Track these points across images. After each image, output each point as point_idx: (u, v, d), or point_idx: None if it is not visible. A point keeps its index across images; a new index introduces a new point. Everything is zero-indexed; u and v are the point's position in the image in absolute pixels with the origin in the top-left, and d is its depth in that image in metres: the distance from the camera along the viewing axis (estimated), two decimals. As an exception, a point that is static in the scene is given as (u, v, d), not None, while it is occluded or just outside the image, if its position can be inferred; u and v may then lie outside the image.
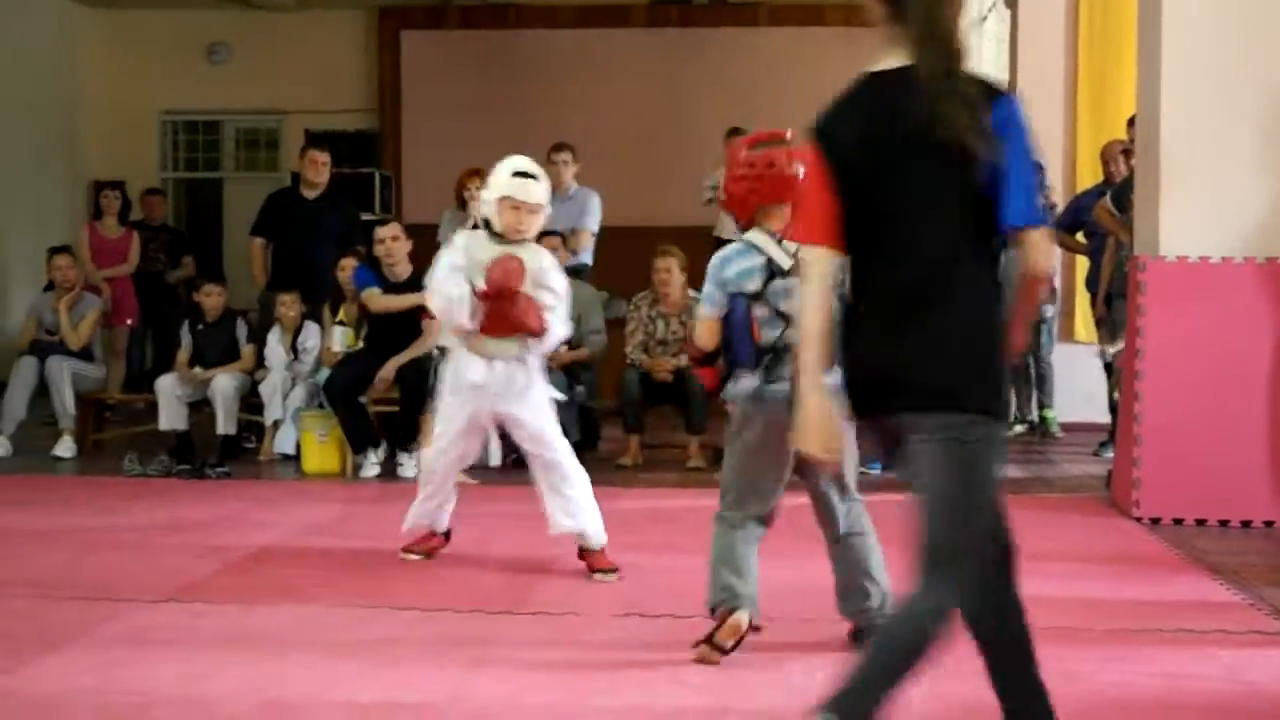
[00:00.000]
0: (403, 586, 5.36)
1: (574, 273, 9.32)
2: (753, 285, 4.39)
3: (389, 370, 8.16)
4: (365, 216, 11.58)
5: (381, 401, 8.34)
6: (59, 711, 3.76)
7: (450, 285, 5.59)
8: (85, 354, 9.31)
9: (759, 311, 4.38)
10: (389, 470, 8.29)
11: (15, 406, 8.93)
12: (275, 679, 4.08)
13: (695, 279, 9.01)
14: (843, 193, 3.08)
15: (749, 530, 4.48)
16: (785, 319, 4.33)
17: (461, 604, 5.02)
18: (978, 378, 3.02)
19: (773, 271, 4.41)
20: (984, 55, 12.27)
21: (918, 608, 3.01)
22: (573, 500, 5.61)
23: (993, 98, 3.06)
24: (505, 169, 5.64)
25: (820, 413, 3.09)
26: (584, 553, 5.64)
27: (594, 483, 7.87)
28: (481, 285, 5.54)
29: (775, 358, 4.38)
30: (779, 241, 4.43)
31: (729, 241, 4.66)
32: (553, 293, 5.71)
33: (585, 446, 8.96)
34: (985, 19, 11.93)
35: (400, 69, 14.77)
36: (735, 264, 4.44)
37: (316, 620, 4.81)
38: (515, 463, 8.61)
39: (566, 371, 8.75)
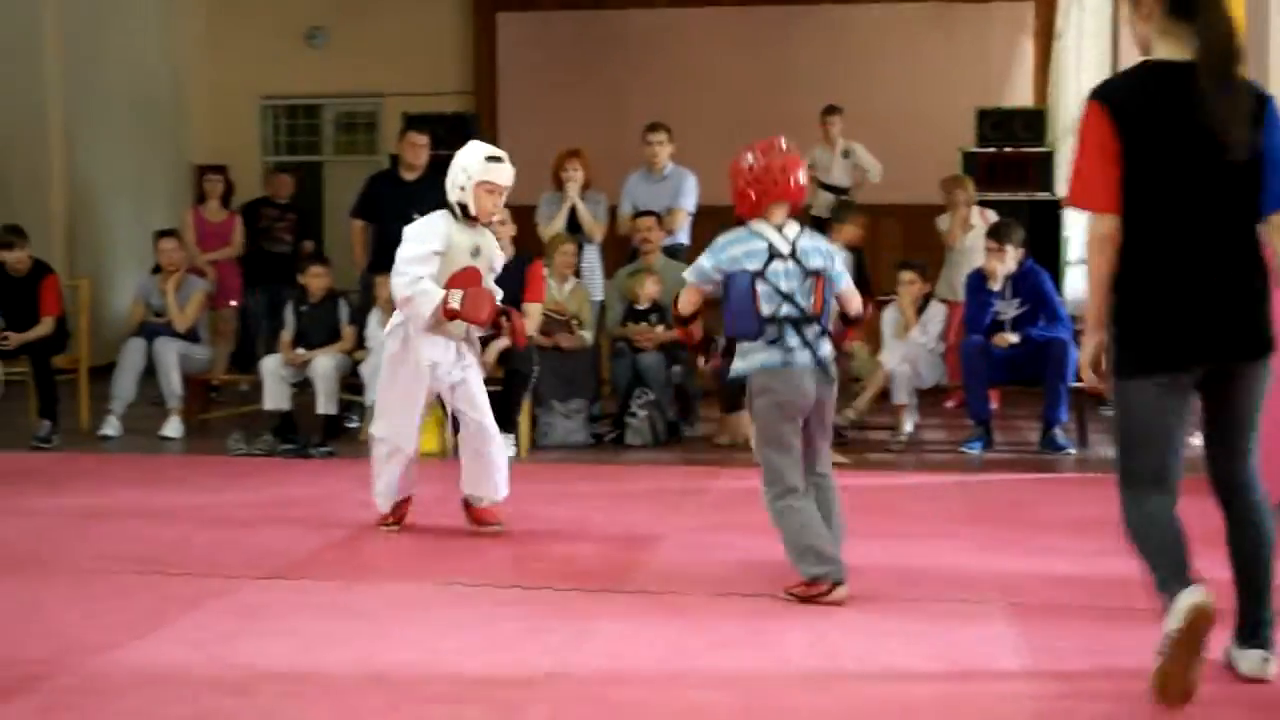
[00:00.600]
0: (503, 565, 5.42)
1: (670, 253, 9.37)
2: (754, 265, 4.84)
3: (492, 354, 8.22)
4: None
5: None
6: (171, 684, 3.84)
7: (423, 274, 5.73)
8: (191, 335, 9.47)
9: (761, 287, 4.81)
10: (488, 449, 8.35)
11: (124, 387, 9.11)
12: (380, 654, 4.14)
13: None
14: (1129, 163, 3.59)
15: (807, 500, 4.85)
16: (784, 296, 4.83)
17: (561, 582, 5.05)
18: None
19: (773, 254, 4.86)
20: (1084, 28, 12.10)
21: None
22: (494, 464, 5.97)
23: (1261, 99, 3.63)
24: (477, 154, 5.81)
25: (1095, 352, 3.73)
26: (472, 508, 6.03)
27: (692, 463, 7.97)
28: (454, 304, 5.67)
29: (778, 329, 4.83)
30: (780, 230, 4.91)
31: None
32: (495, 273, 6.12)
33: (682, 426, 9.01)
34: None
35: (496, 51, 14.86)
36: (737, 246, 4.90)
37: (420, 597, 4.87)
38: (614, 440, 8.68)
39: (664, 351, 8.78)
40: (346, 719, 3.61)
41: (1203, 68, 3.54)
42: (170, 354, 9.12)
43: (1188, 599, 3.48)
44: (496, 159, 5.81)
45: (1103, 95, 3.65)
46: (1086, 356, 3.76)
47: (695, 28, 14.40)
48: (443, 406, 6.32)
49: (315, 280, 9.14)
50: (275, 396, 8.76)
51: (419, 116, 12.59)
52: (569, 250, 9.07)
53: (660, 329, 8.81)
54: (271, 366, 8.82)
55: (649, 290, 8.93)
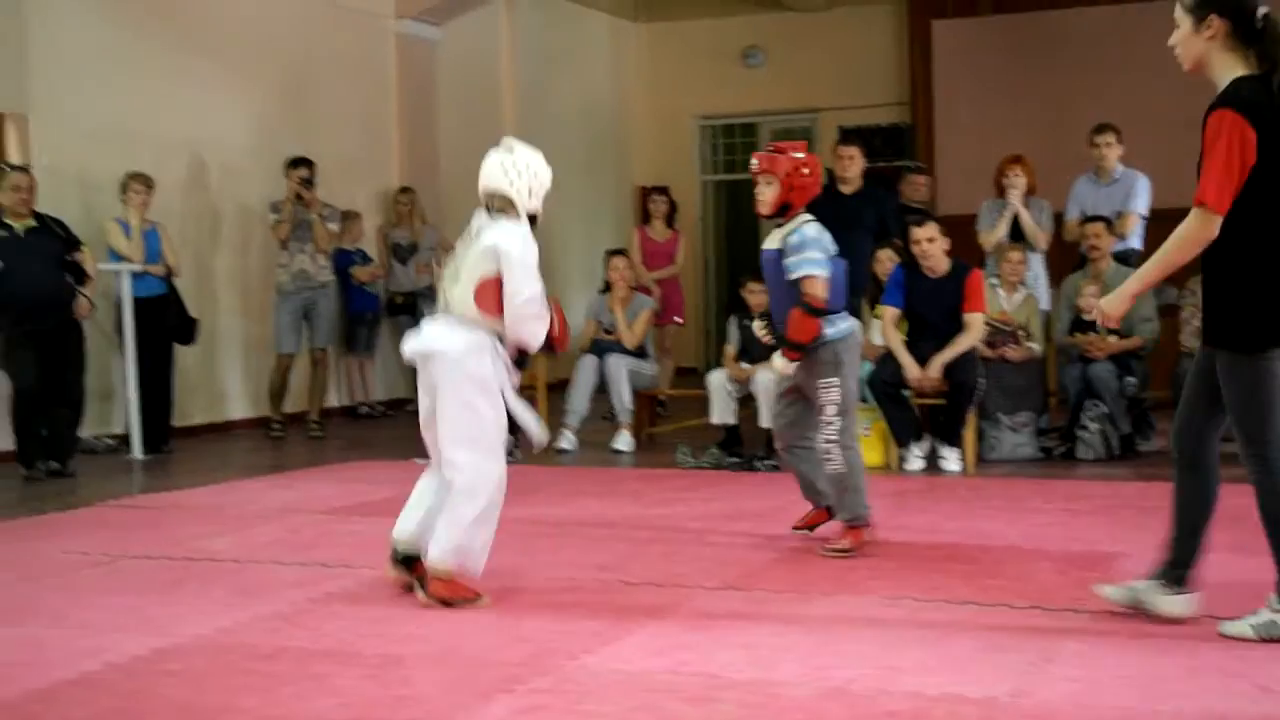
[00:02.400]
0: (955, 580, 5.31)
1: (1121, 259, 8.99)
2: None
3: (936, 369, 8.11)
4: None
5: (924, 395, 8.31)
6: (637, 690, 3.94)
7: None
8: (640, 352, 9.80)
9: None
10: (932, 464, 8.26)
11: (578, 403, 9.51)
12: (836, 667, 4.13)
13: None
14: (1260, 166, 4.06)
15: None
16: None
17: (1018, 600, 4.91)
18: None
19: None
20: None
21: None
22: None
23: None
24: (540, 158, 5.24)
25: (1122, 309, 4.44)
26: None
27: (1149, 478, 7.61)
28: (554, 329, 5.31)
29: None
30: None
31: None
32: None
33: (1137, 439, 8.62)
34: None
35: (931, 59, 14.70)
36: (824, 234, 6.05)
37: (871, 612, 4.84)
38: (1064, 454, 8.40)
39: (1116, 361, 8.44)
40: (808, 732, 3.62)
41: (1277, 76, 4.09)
42: (621, 370, 9.46)
43: None
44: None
45: (1241, 105, 4.06)
46: (1117, 309, 4.42)
47: (1140, 23, 13.75)
48: None
49: (753, 296, 9.26)
50: (720, 410, 8.95)
51: (853, 130, 12.62)
52: (1017, 259, 8.83)
53: (1113, 339, 8.47)
54: (717, 381, 9.02)
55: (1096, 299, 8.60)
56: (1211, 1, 4.16)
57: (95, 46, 10.17)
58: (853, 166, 9.70)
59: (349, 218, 11.69)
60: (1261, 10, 4.16)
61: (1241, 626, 4.32)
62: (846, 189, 9.76)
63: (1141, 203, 9.25)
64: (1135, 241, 9.27)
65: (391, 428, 11.27)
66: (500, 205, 5.18)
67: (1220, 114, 4.07)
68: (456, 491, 5.00)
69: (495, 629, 4.67)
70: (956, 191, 12.94)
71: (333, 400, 11.81)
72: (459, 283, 5.12)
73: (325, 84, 12.16)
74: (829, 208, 9.74)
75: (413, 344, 5.19)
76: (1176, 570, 4.50)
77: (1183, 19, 4.24)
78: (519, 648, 4.41)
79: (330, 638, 4.61)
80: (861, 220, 9.55)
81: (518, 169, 5.18)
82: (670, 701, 3.83)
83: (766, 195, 6.01)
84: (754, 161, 6.08)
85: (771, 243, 6.14)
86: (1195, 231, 4.14)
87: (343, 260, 11.66)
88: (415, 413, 12.41)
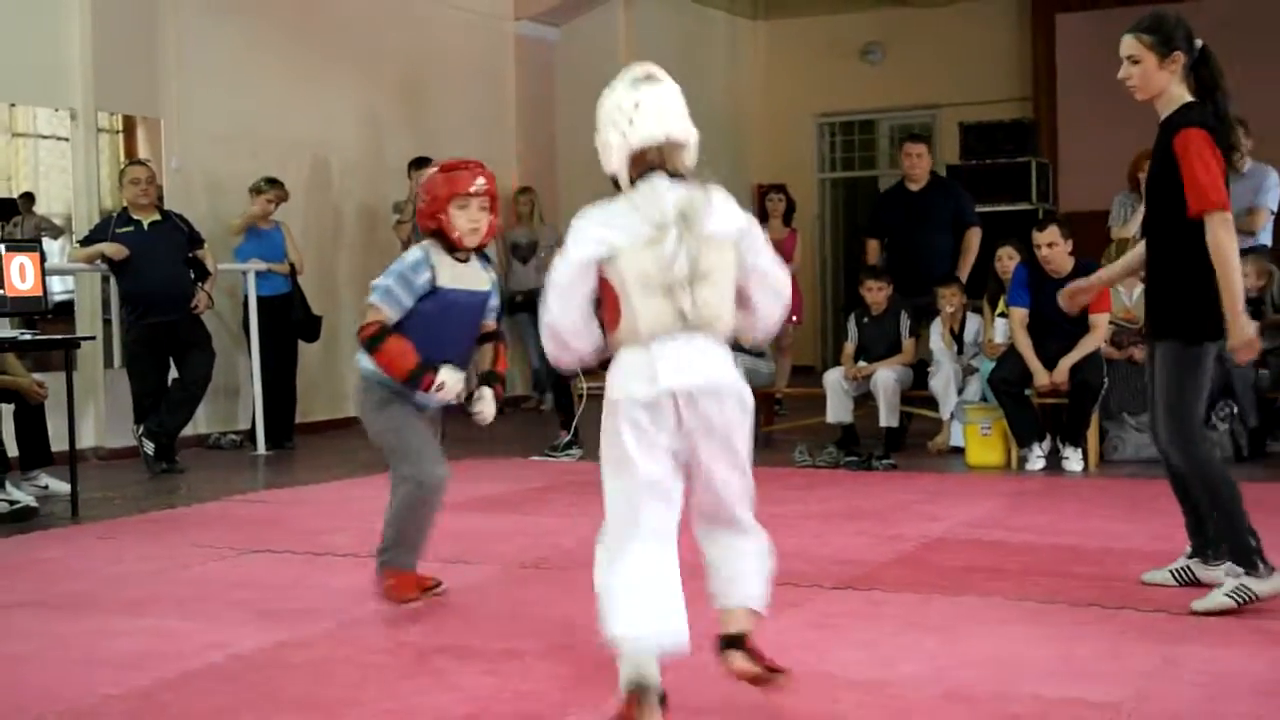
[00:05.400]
0: (1079, 583, 5.22)
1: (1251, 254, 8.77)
2: None
3: (1061, 373, 7.97)
4: (1021, 206, 11.46)
5: (1046, 394, 8.18)
6: (756, 687, 3.93)
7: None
8: (756, 350, 9.74)
9: None
10: (1054, 464, 8.13)
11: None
12: (955, 669, 4.08)
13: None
14: None
15: None
16: None
17: (1144, 603, 4.82)
18: None
19: None
20: None
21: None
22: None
23: None
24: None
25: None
26: None
27: (1277, 479, 7.41)
28: None
29: None
30: None
31: None
32: None
33: (1268, 440, 8.42)
34: None
35: (1055, 54, 14.47)
36: None
37: (992, 612, 4.77)
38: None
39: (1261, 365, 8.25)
40: (926, 734, 3.57)
41: (1226, 108, 4.67)
42: (739, 369, 9.41)
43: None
44: None
45: (1208, 126, 4.58)
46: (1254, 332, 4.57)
47: (1266, 14, 13.49)
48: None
49: (871, 294, 9.21)
50: (837, 409, 8.90)
51: (974, 126, 12.48)
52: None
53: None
54: (834, 379, 8.96)
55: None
56: (1174, 39, 4.69)
57: (223, 52, 10.37)
58: (919, 164, 9.68)
59: (470, 218, 11.76)
60: (1199, 41, 4.72)
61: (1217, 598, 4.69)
62: (914, 186, 9.73)
63: (1271, 198, 9.01)
64: (1265, 237, 9.05)
65: (508, 426, 11.34)
66: (679, 164, 3.69)
67: (1192, 132, 4.55)
68: (761, 544, 3.96)
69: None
70: (1080, 188, 12.72)
71: (451, 398, 11.90)
72: (708, 286, 3.56)
73: (445, 85, 12.29)
74: (900, 206, 9.75)
75: (690, 377, 3.61)
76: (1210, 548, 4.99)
77: (1145, 55, 4.72)
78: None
79: (448, 632, 4.66)
80: (932, 216, 9.53)
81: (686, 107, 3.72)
82: (787, 701, 3.81)
83: (485, 224, 4.83)
84: (481, 181, 4.82)
85: (479, 283, 4.99)
86: (1225, 227, 4.51)
87: (464, 259, 11.75)
88: (532, 410, 12.45)
